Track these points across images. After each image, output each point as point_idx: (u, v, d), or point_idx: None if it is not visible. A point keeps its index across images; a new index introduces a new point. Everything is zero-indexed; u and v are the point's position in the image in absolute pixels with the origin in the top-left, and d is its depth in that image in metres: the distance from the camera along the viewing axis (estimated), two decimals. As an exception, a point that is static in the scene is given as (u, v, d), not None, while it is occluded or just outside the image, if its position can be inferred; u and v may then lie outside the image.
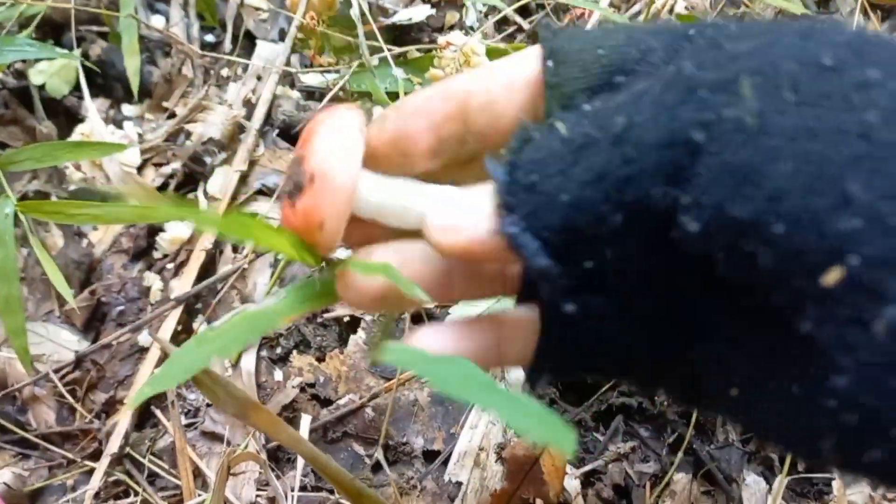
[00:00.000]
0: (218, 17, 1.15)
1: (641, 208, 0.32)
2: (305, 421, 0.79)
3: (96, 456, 0.84)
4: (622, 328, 0.38)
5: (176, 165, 1.02)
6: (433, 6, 1.09)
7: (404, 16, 1.07)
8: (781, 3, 0.66)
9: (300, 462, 0.79)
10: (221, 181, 1.00)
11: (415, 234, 0.39)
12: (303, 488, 0.78)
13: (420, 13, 1.08)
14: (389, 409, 0.80)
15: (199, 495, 0.79)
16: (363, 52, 1.05)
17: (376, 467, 0.81)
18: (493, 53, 1.03)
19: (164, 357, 0.86)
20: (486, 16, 1.08)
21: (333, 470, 0.62)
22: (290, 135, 1.05)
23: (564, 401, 0.85)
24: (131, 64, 1.05)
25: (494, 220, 0.35)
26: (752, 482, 0.82)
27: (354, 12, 1.04)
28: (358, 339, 0.86)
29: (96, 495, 0.80)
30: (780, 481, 0.78)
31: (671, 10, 1.03)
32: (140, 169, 1.01)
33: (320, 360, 0.87)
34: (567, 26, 1.12)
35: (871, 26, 0.72)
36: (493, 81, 0.41)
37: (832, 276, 0.28)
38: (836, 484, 0.80)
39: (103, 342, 0.90)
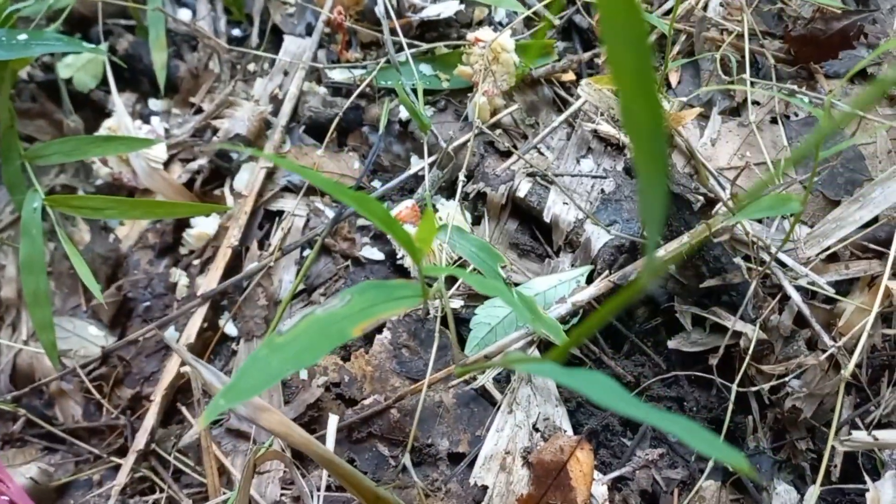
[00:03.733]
0: (245, 12, 1.14)
1: None
2: (332, 421, 0.78)
3: (122, 452, 0.84)
4: None
5: (202, 161, 1.01)
6: (461, 2, 1.08)
7: (433, 11, 1.05)
8: (821, 0, 0.64)
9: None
10: (248, 177, 0.99)
11: None
12: (328, 488, 0.78)
13: (448, 9, 1.06)
14: (419, 412, 0.79)
15: (224, 493, 0.78)
16: (388, 48, 1.04)
17: (401, 468, 0.80)
18: (522, 49, 1.02)
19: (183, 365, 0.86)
20: (514, 11, 1.07)
21: (349, 473, 0.61)
22: (316, 131, 1.04)
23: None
24: (158, 58, 1.05)
25: None
26: (783, 491, 0.80)
27: (380, 9, 1.03)
28: (383, 338, 0.86)
29: (122, 491, 0.80)
30: (813, 491, 0.77)
31: (705, 7, 1.00)
32: (166, 164, 1.01)
33: (345, 359, 0.86)
34: (597, 24, 1.10)
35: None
36: None
37: None
38: (869, 495, 0.78)
39: (130, 338, 0.90)
